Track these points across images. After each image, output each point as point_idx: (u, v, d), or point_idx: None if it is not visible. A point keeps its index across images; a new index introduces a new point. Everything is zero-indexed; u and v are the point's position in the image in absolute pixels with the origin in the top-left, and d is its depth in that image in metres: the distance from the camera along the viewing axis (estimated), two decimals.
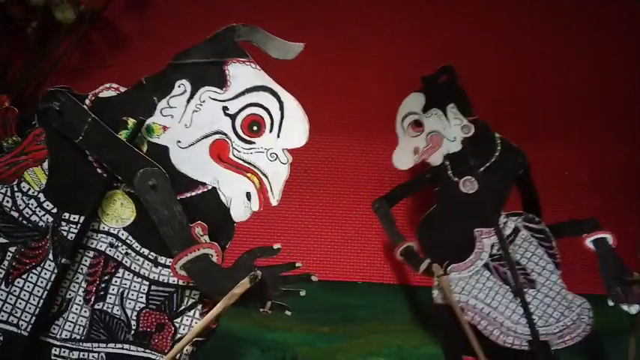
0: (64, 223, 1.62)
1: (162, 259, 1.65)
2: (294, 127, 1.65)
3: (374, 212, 2.38)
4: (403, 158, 2.31)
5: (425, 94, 2.32)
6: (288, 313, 1.65)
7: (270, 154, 1.65)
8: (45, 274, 1.61)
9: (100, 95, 1.64)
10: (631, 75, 2.81)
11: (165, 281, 1.65)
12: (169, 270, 1.62)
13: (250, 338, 2.45)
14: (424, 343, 2.48)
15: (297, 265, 1.65)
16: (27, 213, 1.62)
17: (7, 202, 1.62)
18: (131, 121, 1.63)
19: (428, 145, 2.28)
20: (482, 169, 2.25)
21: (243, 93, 1.65)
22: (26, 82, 2.33)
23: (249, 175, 1.65)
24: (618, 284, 2.04)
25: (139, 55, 2.47)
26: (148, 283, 1.65)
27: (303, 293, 1.64)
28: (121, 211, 1.64)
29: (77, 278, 1.62)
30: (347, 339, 2.47)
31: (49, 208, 1.63)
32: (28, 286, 1.60)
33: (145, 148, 1.64)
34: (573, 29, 2.80)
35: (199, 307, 1.66)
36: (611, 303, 2.05)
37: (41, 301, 1.59)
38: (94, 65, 2.44)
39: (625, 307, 2.02)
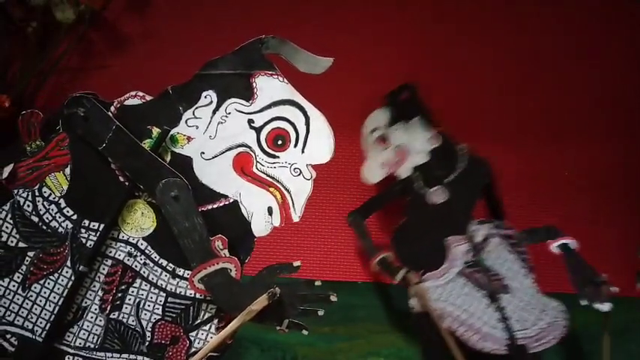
0: (83, 230, 1.60)
1: (180, 271, 1.62)
2: (320, 142, 1.62)
3: (348, 225, 2.41)
4: (372, 172, 2.37)
5: (389, 109, 2.39)
6: (305, 332, 1.61)
7: (294, 169, 1.63)
8: (62, 280, 1.59)
9: (126, 103, 1.63)
10: (631, 75, 2.78)
11: (183, 293, 1.62)
12: (187, 282, 1.60)
13: (250, 338, 2.43)
14: None
15: (316, 283, 1.61)
16: (47, 218, 1.60)
17: (28, 206, 1.60)
18: (155, 131, 1.61)
19: (395, 158, 2.33)
20: (450, 178, 2.30)
21: (269, 106, 1.62)
22: (26, 82, 2.32)
23: (271, 189, 1.63)
24: (588, 285, 2.10)
25: (139, 55, 2.45)
26: (164, 294, 1.62)
27: (321, 313, 1.60)
28: (141, 221, 1.62)
29: (94, 286, 1.61)
30: (347, 339, 2.46)
31: (69, 215, 1.61)
32: (45, 292, 1.59)
33: (168, 158, 1.62)
34: (573, 29, 2.78)
35: (215, 321, 1.63)
36: (584, 302, 2.09)
37: (57, 307, 1.58)
38: (93, 65, 2.42)
39: (597, 306, 2.06)
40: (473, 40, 2.71)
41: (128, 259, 1.62)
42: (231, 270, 1.56)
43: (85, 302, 1.60)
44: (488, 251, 2.24)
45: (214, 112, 1.62)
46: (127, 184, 1.61)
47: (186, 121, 1.62)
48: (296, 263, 1.60)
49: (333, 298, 1.60)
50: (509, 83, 2.73)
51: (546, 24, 2.76)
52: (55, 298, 1.59)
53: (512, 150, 2.65)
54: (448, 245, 2.26)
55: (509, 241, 2.27)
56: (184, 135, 1.62)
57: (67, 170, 1.62)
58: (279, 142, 1.62)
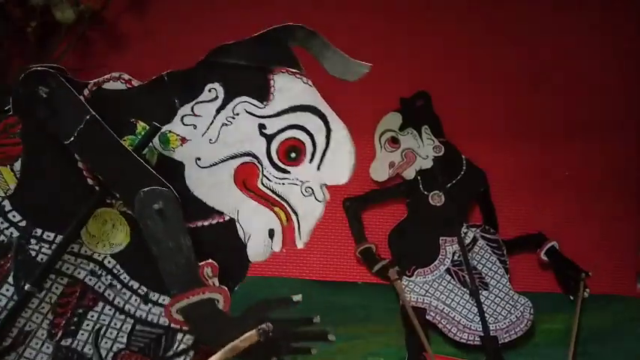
0: (33, 241, 1.28)
1: (154, 296, 1.35)
2: (339, 160, 1.38)
3: (344, 210, 2.53)
4: (380, 171, 2.54)
5: (402, 114, 2.57)
6: None
7: (306, 188, 1.38)
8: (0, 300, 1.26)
9: (105, 87, 1.26)
10: (631, 74, 2.80)
11: (154, 321, 1.36)
12: (161, 309, 1.34)
13: None
14: None
15: (314, 320, 1.42)
16: None
17: None
18: (141, 126, 1.30)
19: (403, 160, 2.53)
20: (448, 185, 2.54)
21: (286, 111, 1.35)
22: None
23: (276, 209, 1.37)
24: (574, 283, 2.43)
25: (139, 55, 2.36)
26: (132, 320, 1.35)
27: (314, 352, 1.43)
28: (111, 235, 1.32)
29: (42, 308, 1.30)
30: (347, 339, 2.39)
31: (15, 220, 1.27)
32: None
33: (154, 162, 1.31)
34: (573, 28, 2.74)
35: (191, 353, 1.39)
36: (572, 297, 2.43)
37: None
38: (93, 65, 2.26)
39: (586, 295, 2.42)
40: (472, 40, 2.65)
41: (90, 279, 1.32)
42: (218, 301, 1.33)
43: (30, 326, 1.30)
44: (474, 252, 2.50)
45: (219, 110, 1.33)
46: (97, 188, 1.28)
47: (182, 118, 1.32)
48: (296, 298, 1.39)
49: (331, 337, 1.43)
50: (509, 84, 2.69)
51: (546, 23, 2.70)
52: None
53: (513, 150, 2.67)
54: (440, 244, 2.49)
55: (493, 244, 2.51)
56: (178, 135, 1.32)
57: (17, 164, 1.26)
58: (293, 155, 1.36)
